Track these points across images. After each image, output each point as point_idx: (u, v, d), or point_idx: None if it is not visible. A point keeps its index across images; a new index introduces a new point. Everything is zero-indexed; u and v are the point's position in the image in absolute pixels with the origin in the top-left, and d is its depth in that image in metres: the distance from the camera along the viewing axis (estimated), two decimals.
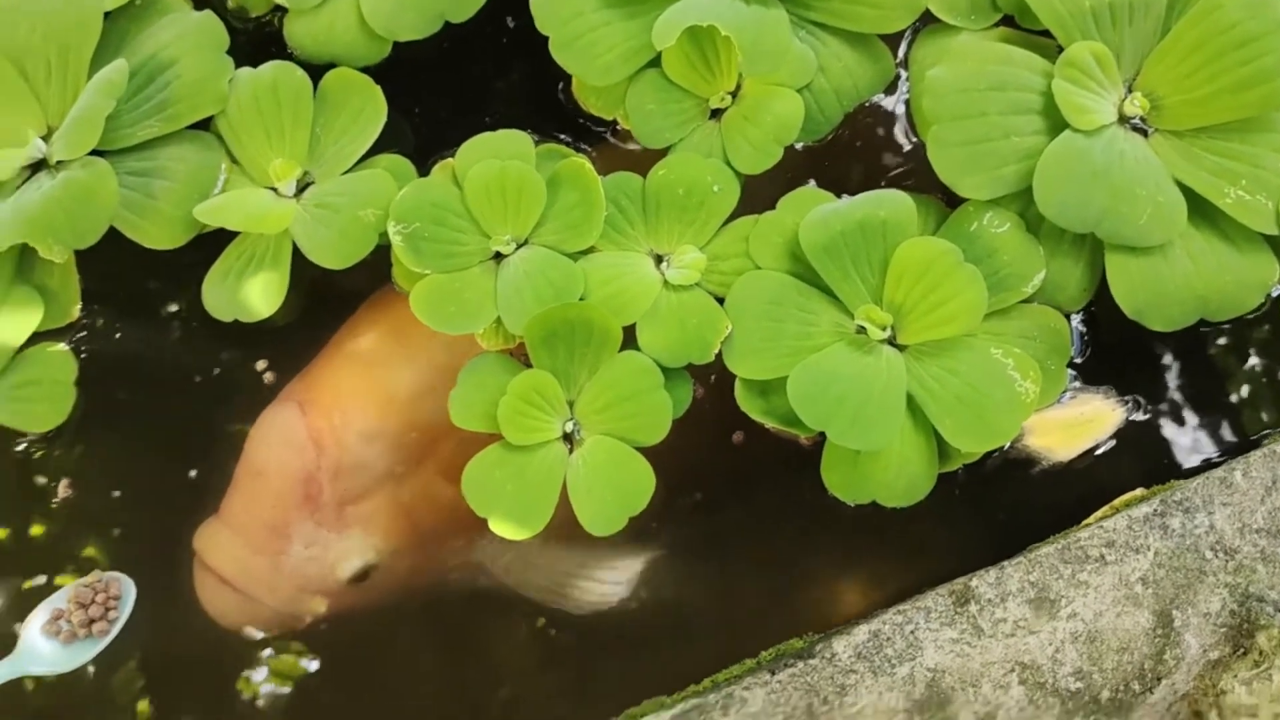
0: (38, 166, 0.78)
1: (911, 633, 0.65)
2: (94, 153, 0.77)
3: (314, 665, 0.81)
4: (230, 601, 0.78)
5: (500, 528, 0.75)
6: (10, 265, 0.78)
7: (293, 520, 0.78)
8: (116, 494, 0.82)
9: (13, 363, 0.79)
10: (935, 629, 0.64)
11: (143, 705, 0.80)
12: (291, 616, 0.80)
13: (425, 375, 0.82)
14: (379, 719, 0.79)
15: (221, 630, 0.78)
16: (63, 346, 0.81)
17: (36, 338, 0.79)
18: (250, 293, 0.79)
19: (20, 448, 0.82)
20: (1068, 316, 0.78)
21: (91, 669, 0.78)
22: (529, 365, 0.77)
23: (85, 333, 0.82)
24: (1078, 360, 0.82)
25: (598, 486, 0.76)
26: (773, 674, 0.62)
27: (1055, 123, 0.75)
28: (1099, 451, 0.81)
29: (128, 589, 0.72)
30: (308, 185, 0.82)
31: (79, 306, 0.81)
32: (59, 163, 0.78)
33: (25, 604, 0.80)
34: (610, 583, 0.81)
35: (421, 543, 0.82)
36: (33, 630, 0.70)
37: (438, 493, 0.82)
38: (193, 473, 0.82)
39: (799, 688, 0.62)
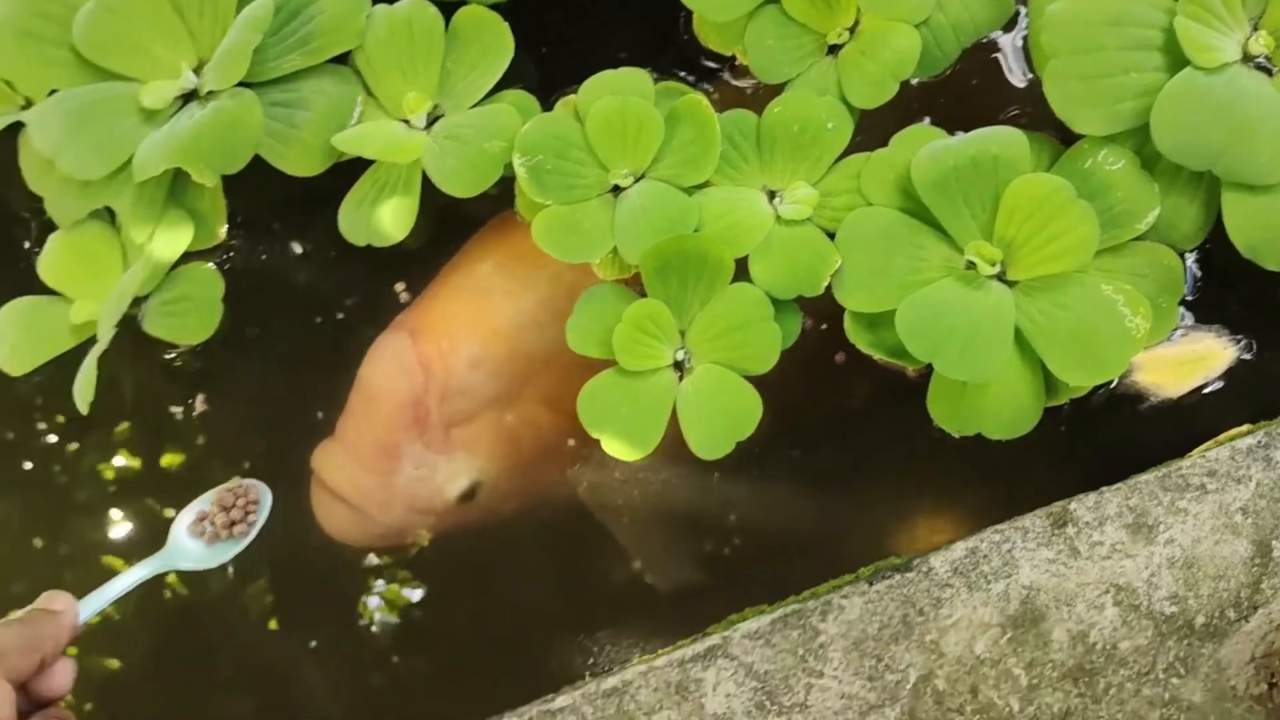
0: (189, 97, 0.84)
1: (1008, 551, 0.67)
2: (241, 84, 0.83)
3: (426, 577, 0.88)
4: (344, 517, 0.84)
5: (612, 447, 0.80)
6: (164, 188, 0.84)
7: (402, 441, 0.83)
8: (250, 409, 0.90)
9: (166, 280, 0.85)
10: (1032, 549, 0.67)
11: (264, 606, 0.89)
12: (401, 533, 0.86)
13: (529, 307, 0.86)
14: (489, 626, 0.86)
15: (337, 544, 0.85)
16: (211, 265, 0.87)
17: (186, 257, 0.85)
18: (383, 218, 0.85)
19: (168, 358, 0.89)
20: (1181, 254, 0.78)
21: (230, 568, 0.87)
22: (643, 295, 0.81)
23: (230, 254, 0.89)
24: (1190, 298, 0.83)
25: (707, 412, 0.80)
26: (870, 584, 0.66)
27: (1175, 59, 0.75)
28: (1208, 390, 0.81)
29: (265, 495, 0.76)
30: (438, 118, 0.87)
31: (225, 229, 0.87)
32: (209, 93, 0.83)
33: (168, 504, 0.88)
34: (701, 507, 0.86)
35: (523, 466, 0.87)
36: (180, 530, 0.74)
37: (538, 419, 0.86)
38: (321, 392, 0.90)
39: (895, 599, 0.66)
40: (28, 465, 0.93)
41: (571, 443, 0.86)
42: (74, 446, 0.92)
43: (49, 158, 0.82)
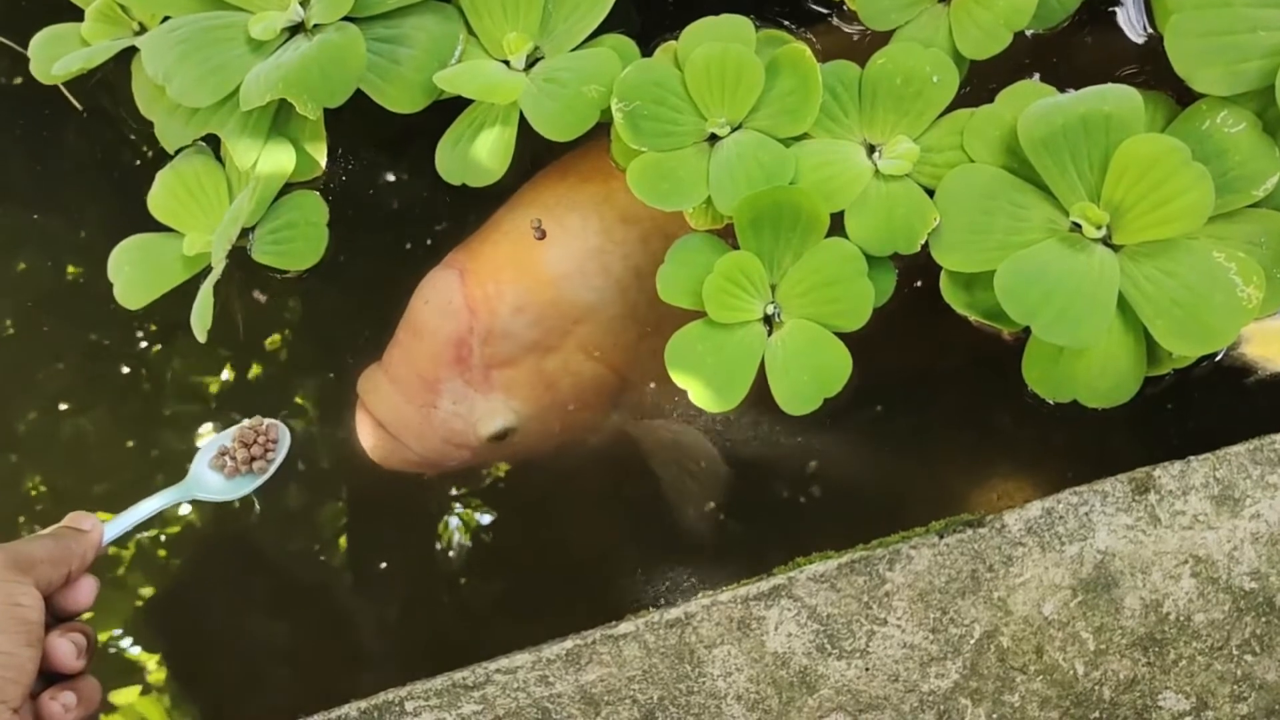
0: (296, 29, 0.91)
1: (1086, 514, 0.70)
2: (346, 18, 0.89)
3: (491, 506, 0.97)
4: (382, 442, 0.92)
5: (699, 398, 0.85)
6: (268, 118, 0.92)
7: (444, 377, 0.91)
8: (337, 335, 1.00)
9: (271, 210, 0.93)
10: (1110, 514, 0.70)
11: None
12: (434, 464, 0.94)
13: (575, 257, 0.92)
14: (532, 556, 0.95)
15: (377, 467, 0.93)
16: (315, 192, 0.94)
17: (288, 188, 0.93)
18: (479, 158, 0.91)
19: (272, 283, 0.99)
20: None
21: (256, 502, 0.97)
22: (735, 247, 0.86)
23: (329, 186, 0.96)
24: None
25: (795, 367, 0.85)
26: (941, 538, 0.69)
27: None
28: None
29: (284, 435, 0.84)
30: (537, 60, 0.92)
31: (324, 161, 0.93)
32: (315, 26, 0.90)
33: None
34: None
35: (559, 412, 0.94)
36: (201, 463, 0.83)
37: (577, 367, 0.93)
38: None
39: (965, 553, 0.69)
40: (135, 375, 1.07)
41: (606, 392, 0.93)
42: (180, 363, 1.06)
43: (159, 84, 0.90)
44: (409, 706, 0.70)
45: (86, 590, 0.70)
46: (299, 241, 0.93)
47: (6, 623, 0.63)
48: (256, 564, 0.98)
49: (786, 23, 0.96)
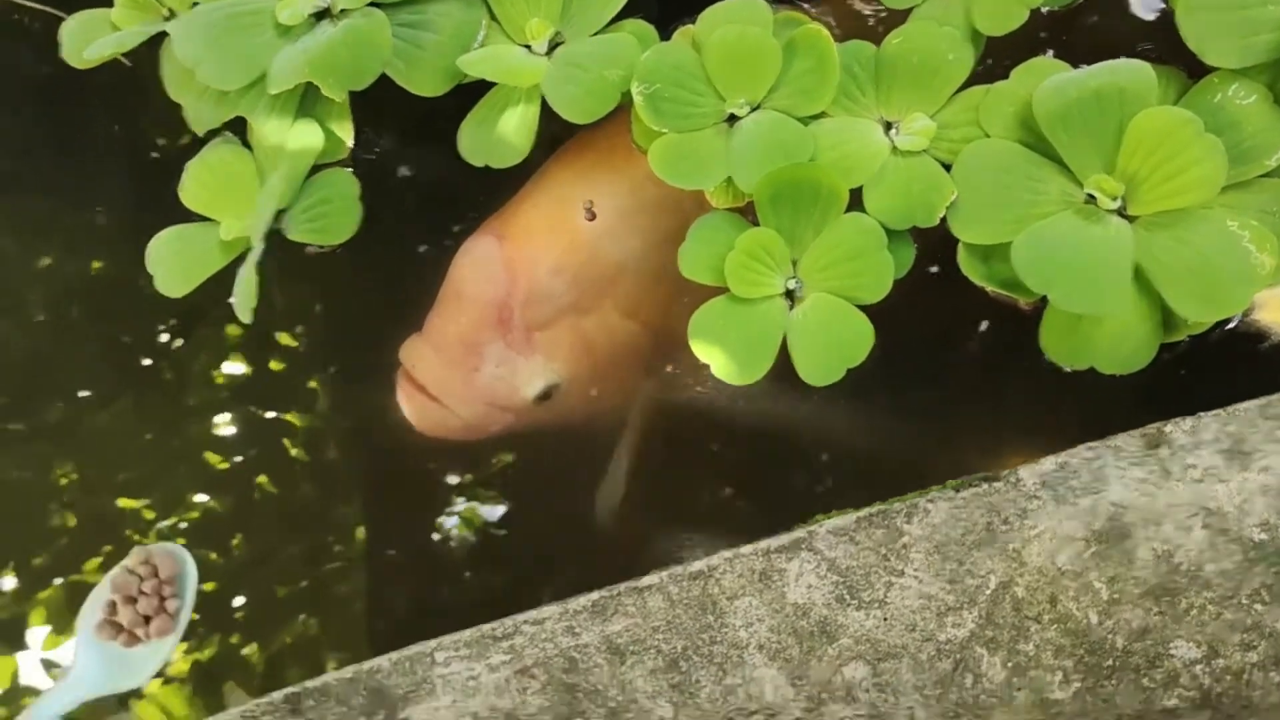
0: (323, 14, 0.97)
1: (1099, 468, 0.74)
2: (372, 4, 0.95)
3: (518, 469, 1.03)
4: (428, 409, 0.97)
5: (722, 372, 0.89)
6: (295, 101, 0.97)
7: (486, 340, 0.96)
8: (365, 310, 1.06)
9: (303, 190, 0.98)
10: (1123, 467, 0.74)
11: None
12: (479, 428, 0.98)
13: (609, 218, 0.98)
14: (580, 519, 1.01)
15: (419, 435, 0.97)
16: (345, 169, 0.99)
17: (316, 169, 0.98)
18: (501, 141, 0.96)
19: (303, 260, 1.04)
20: None
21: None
22: (756, 224, 0.90)
23: (355, 168, 1.01)
24: None
25: (818, 340, 0.89)
26: (957, 491, 0.74)
27: None
28: None
29: (185, 565, 0.66)
30: (558, 44, 0.98)
31: (350, 143, 0.99)
32: (341, 11, 0.96)
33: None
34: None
35: (599, 371, 0.99)
36: (85, 641, 0.65)
37: (615, 327, 0.99)
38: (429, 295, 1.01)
39: (981, 506, 0.73)
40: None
41: (643, 351, 0.99)
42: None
43: (189, 68, 0.96)
44: (439, 657, 0.75)
45: None
46: (334, 216, 0.99)
47: None
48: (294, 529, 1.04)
49: (804, 5, 1.02)
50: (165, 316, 1.11)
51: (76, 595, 1.04)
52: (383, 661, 0.75)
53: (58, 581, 1.09)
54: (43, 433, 1.09)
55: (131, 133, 1.17)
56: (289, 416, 1.08)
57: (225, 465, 1.08)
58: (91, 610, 0.66)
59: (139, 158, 1.15)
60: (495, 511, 1.03)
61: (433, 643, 0.75)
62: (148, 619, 0.64)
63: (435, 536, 1.03)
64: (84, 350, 1.12)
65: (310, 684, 0.76)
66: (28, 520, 1.10)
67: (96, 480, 1.09)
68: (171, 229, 1.01)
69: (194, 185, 1.02)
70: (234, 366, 1.09)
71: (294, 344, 1.08)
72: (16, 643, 1.09)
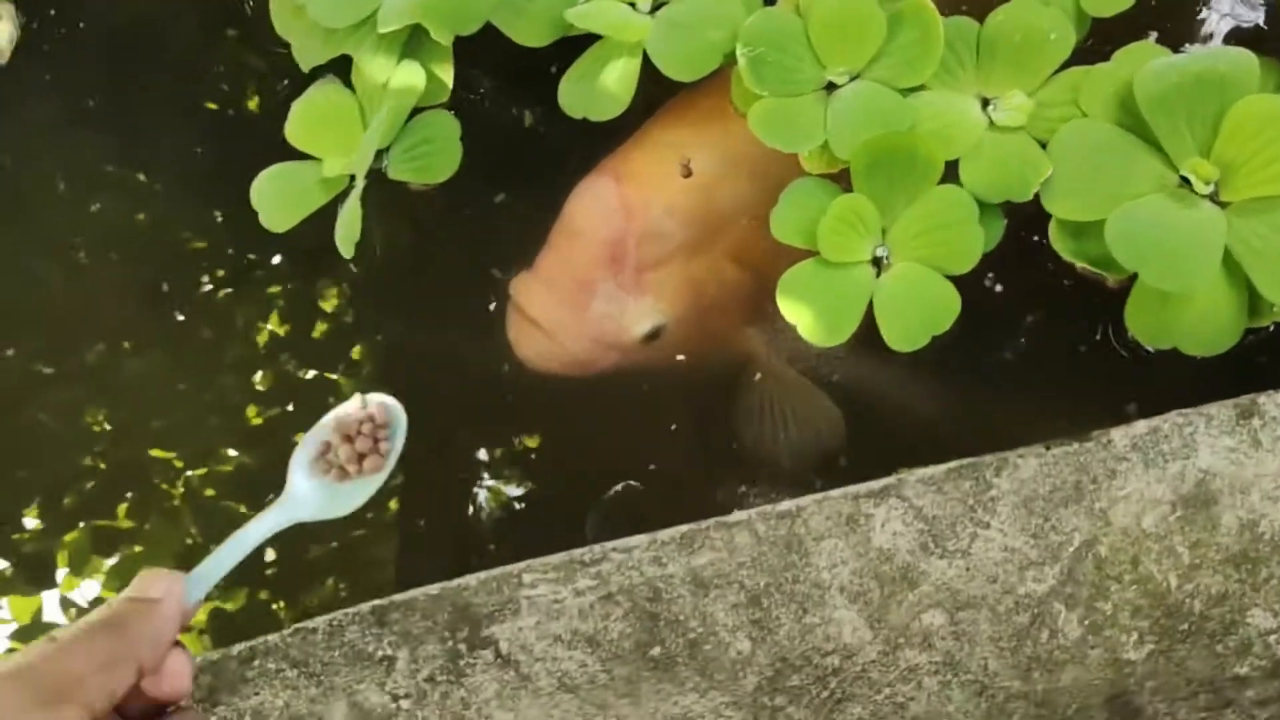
0: None
1: (1190, 434, 0.76)
2: None
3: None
4: (539, 344, 1.00)
5: (808, 333, 0.92)
6: (400, 42, 1.00)
7: (598, 278, 0.99)
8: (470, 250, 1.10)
9: (404, 130, 1.01)
10: (1214, 435, 0.76)
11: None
12: (587, 364, 1.01)
13: (721, 163, 1.01)
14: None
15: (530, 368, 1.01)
16: (446, 111, 1.03)
17: (416, 112, 1.02)
18: (601, 94, 0.99)
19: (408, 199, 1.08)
20: None
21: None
22: (849, 190, 0.93)
23: (455, 111, 1.04)
24: None
25: (905, 306, 0.92)
26: (1048, 449, 0.76)
27: None
28: None
29: (398, 415, 0.70)
30: (663, 3, 1.00)
31: (450, 87, 1.02)
32: None
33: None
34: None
35: (705, 314, 1.02)
36: (299, 472, 0.69)
37: (723, 271, 1.01)
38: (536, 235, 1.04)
39: (1071, 465, 0.75)
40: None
41: (749, 298, 1.02)
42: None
43: (299, 4, 1.00)
44: (526, 579, 0.78)
45: (176, 674, 0.56)
46: (435, 156, 1.02)
47: None
48: None
49: None
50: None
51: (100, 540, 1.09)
52: (470, 580, 0.78)
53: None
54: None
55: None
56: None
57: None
58: (306, 447, 0.69)
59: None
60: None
61: (521, 565, 0.78)
62: (361, 457, 0.69)
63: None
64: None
65: (397, 598, 0.79)
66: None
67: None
68: (275, 166, 1.05)
69: (299, 124, 1.06)
70: (344, 302, 1.13)
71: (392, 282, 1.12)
72: (41, 581, 1.14)
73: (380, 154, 1.02)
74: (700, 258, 1.01)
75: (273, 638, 0.79)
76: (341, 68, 1.05)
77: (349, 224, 0.97)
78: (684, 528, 0.76)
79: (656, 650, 0.76)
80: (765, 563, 0.76)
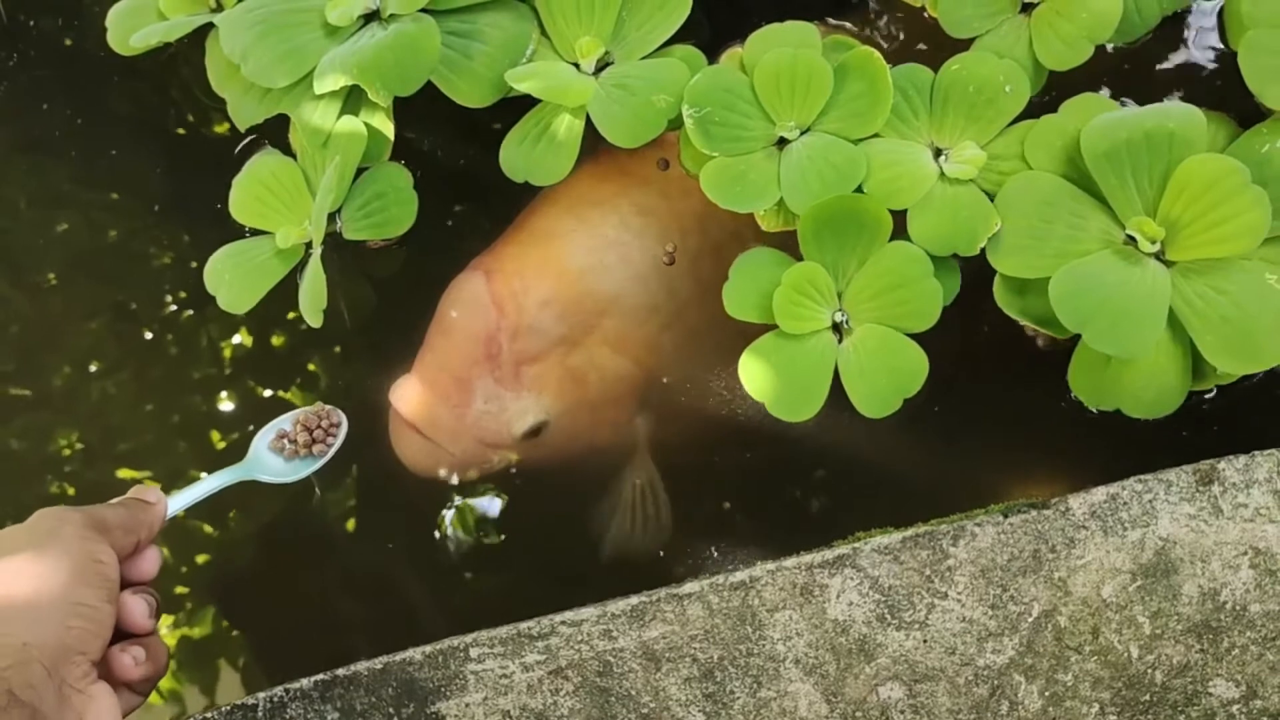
0: (372, 17, 0.98)
1: (1149, 501, 0.76)
2: (423, 10, 0.96)
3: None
4: (419, 448, 0.98)
5: (777, 410, 0.90)
6: (339, 102, 0.97)
7: (475, 376, 0.96)
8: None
9: (354, 188, 0.99)
10: (1174, 502, 0.75)
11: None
12: (471, 465, 0.99)
13: (596, 251, 0.99)
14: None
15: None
16: (395, 163, 0.99)
17: (360, 172, 0.98)
18: (544, 158, 0.97)
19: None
20: None
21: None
22: (798, 258, 0.91)
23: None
24: None
25: (871, 371, 0.90)
26: (1005, 516, 0.75)
27: None
28: None
29: (344, 422, 0.89)
30: (607, 65, 0.99)
31: (390, 151, 1.00)
32: (391, 15, 0.97)
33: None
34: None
35: (588, 406, 1.00)
36: (261, 444, 0.88)
37: (603, 361, 0.99)
38: None
39: (1029, 533, 0.75)
40: None
41: (631, 385, 0.99)
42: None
43: (235, 62, 0.97)
44: (473, 653, 0.75)
45: (151, 560, 0.75)
46: (391, 209, 1.00)
47: (91, 577, 0.67)
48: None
49: (835, 21, 1.03)
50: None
51: None
52: (415, 654, 0.75)
53: None
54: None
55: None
56: None
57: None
58: (270, 429, 0.89)
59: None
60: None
61: (468, 637, 0.75)
62: (311, 444, 0.88)
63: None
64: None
65: (340, 672, 0.76)
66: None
67: None
68: (227, 247, 1.03)
69: (243, 200, 1.04)
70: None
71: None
72: None
73: (332, 216, 1.00)
74: (579, 349, 1.00)
75: (210, 715, 0.75)
76: (279, 126, 1.03)
77: (313, 293, 0.96)
78: (634, 599, 0.75)
79: None
80: (718, 635, 0.74)
